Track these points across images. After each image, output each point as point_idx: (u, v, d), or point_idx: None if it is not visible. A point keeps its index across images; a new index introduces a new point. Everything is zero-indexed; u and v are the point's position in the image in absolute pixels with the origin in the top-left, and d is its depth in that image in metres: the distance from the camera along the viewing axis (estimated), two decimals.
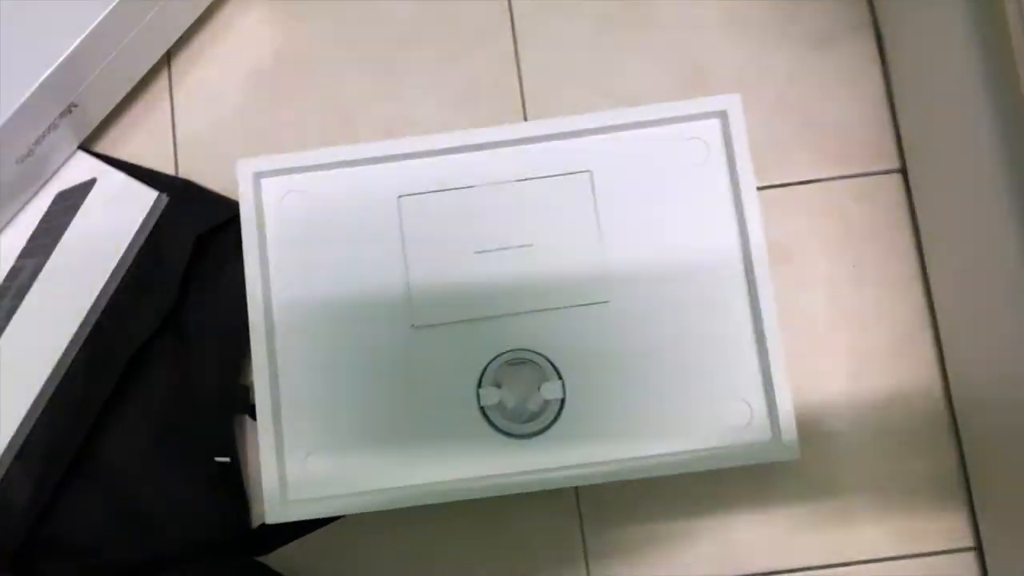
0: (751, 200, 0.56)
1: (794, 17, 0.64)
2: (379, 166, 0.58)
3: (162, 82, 0.66)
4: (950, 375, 0.60)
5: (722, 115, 0.57)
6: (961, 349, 0.59)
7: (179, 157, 0.65)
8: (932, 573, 0.58)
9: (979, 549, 0.58)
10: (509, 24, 0.65)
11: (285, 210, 0.58)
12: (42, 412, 0.59)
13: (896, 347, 0.60)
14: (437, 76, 0.65)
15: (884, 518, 0.59)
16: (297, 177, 0.58)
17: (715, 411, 0.56)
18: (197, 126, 0.65)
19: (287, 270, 0.57)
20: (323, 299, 0.57)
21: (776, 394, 0.54)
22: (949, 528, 0.58)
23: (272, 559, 0.60)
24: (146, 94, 0.65)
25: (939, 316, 0.60)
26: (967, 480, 0.59)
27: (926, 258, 0.61)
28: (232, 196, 0.62)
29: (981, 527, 0.58)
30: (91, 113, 0.62)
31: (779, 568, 0.59)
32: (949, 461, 0.59)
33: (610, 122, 0.57)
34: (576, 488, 0.61)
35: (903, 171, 0.62)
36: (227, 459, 0.59)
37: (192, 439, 0.60)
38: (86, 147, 0.63)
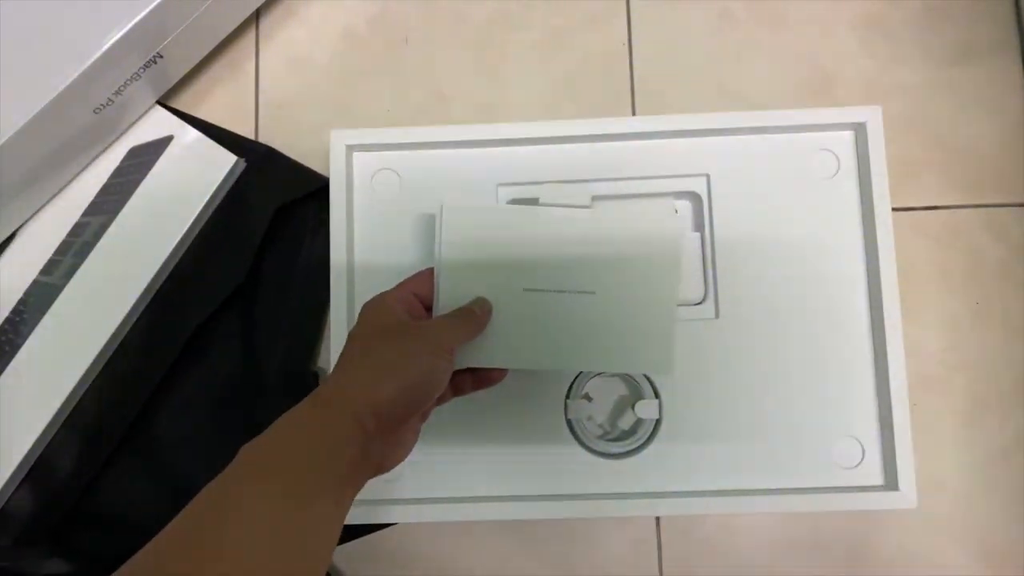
0: (884, 223, 0.51)
1: (934, 27, 0.59)
2: (479, 150, 0.54)
3: (248, 40, 0.62)
4: None
5: (858, 128, 0.53)
6: None
7: (260, 121, 0.61)
8: None
9: None
10: (625, 9, 0.61)
11: (376, 187, 0.54)
12: (95, 380, 0.56)
13: (1017, 394, 0.56)
14: (541, 60, 0.60)
15: None
16: (391, 154, 0.54)
17: (823, 447, 0.51)
18: (282, 90, 0.61)
19: (375, 252, 0.53)
20: None
21: (895, 434, 0.49)
22: None
23: None
24: (231, 51, 0.61)
25: None
26: None
27: None
28: (315, 167, 0.58)
29: None
30: (174, 66, 0.58)
31: None
32: None
33: (732, 124, 0.53)
34: None
35: None
36: None
37: (252, 424, 0.56)
38: (165, 103, 0.60)
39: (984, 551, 0.55)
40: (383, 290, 0.50)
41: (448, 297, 0.45)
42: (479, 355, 0.45)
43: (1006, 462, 0.55)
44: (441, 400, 0.44)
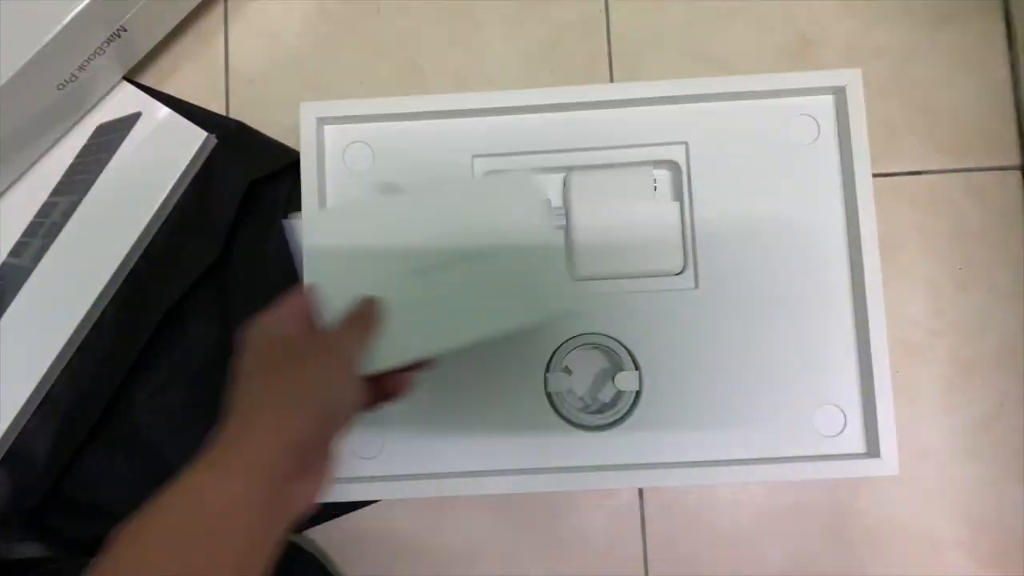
0: (865, 188, 0.50)
1: None
2: (453, 121, 0.53)
3: (217, 13, 0.60)
4: None
5: (838, 92, 0.52)
6: None
7: (231, 96, 0.59)
8: None
9: None
10: None
11: (348, 160, 0.53)
12: (68, 363, 0.55)
13: (1000, 359, 0.55)
14: (517, 27, 0.59)
15: (972, 543, 0.54)
16: (363, 126, 0.53)
17: (805, 416, 0.51)
18: (252, 64, 0.60)
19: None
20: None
21: (877, 402, 0.49)
22: None
23: (302, 537, 0.56)
24: (199, 24, 0.60)
25: None
26: None
27: None
28: (286, 142, 0.57)
29: None
30: (139, 41, 0.56)
31: None
32: None
33: (711, 90, 0.52)
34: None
35: (1023, 168, 0.56)
36: None
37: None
38: (132, 79, 0.58)
39: (968, 517, 0.54)
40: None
41: (336, 307, 0.40)
42: (387, 355, 0.39)
43: (989, 428, 0.55)
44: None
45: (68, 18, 0.49)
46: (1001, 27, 0.58)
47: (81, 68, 0.53)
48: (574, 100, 0.52)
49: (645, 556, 0.55)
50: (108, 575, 0.29)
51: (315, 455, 0.35)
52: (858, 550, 0.55)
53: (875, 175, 0.51)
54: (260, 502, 0.31)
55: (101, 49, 0.53)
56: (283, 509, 0.33)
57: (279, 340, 0.37)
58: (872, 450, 0.49)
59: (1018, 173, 0.57)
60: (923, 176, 0.57)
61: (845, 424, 0.50)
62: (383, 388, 0.40)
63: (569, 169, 0.54)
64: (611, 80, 0.59)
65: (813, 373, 0.51)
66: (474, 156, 0.53)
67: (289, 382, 0.34)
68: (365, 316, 0.39)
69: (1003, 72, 0.57)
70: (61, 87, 0.53)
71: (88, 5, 0.49)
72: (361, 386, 0.37)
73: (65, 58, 0.51)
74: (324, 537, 0.56)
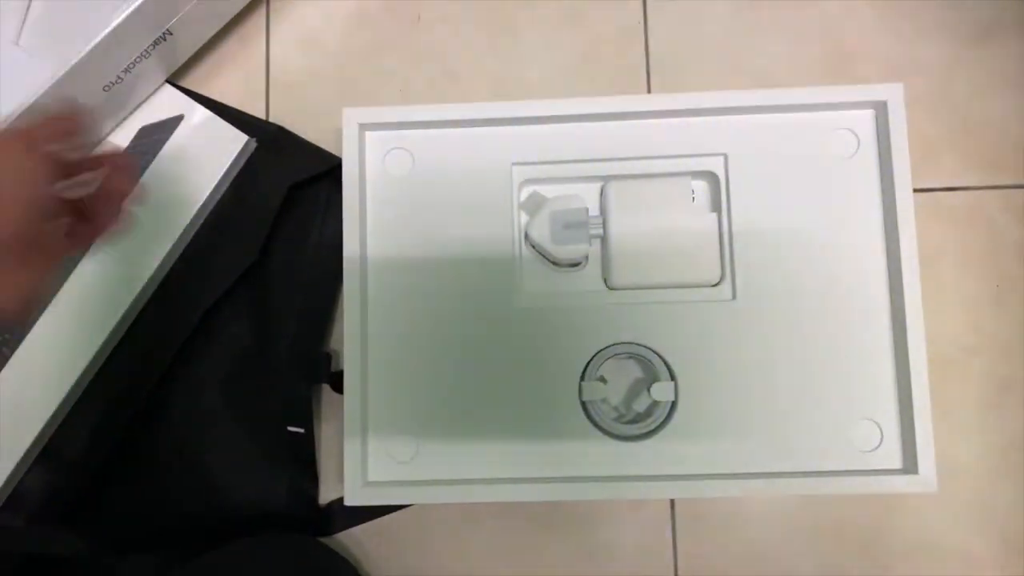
0: (905, 203, 0.50)
1: (956, 4, 0.58)
2: (493, 129, 0.53)
3: (259, 18, 0.61)
4: None
5: (879, 106, 0.52)
6: None
7: (271, 100, 0.60)
8: None
9: None
10: None
11: (389, 167, 0.54)
12: (107, 360, 0.56)
13: None
14: (556, 37, 0.59)
15: (1008, 564, 0.54)
16: (404, 133, 0.54)
17: (841, 430, 0.50)
18: (293, 69, 0.60)
19: (387, 232, 0.53)
20: (423, 267, 0.52)
21: (915, 417, 0.49)
22: None
23: (334, 540, 0.56)
24: (241, 29, 0.60)
25: None
26: None
27: None
28: (326, 148, 0.58)
29: None
30: (184, 44, 0.57)
31: None
32: None
33: (750, 102, 0.52)
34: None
35: None
36: (301, 429, 0.55)
37: (265, 404, 0.56)
38: (175, 81, 0.59)
39: (1004, 537, 0.54)
40: (395, 270, 0.49)
41: None
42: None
43: None
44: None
45: (118, 21, 0.50)
46: None
47: (127, 70, 0.53)
48: (612, 110, 0.52)
49: (676, 568, 0.55)
50: None
51: None
52: (891, 567, 0.54)
53: (914, 190, 0.51)
54: None
55: (147, 52, 0.54)
56: None
57: None
58: (909, 466, 0.49)
59: None
60: (961, 192, 0.57)
61: (882, 439, 0.50)
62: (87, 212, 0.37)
63: (607, 179, 0.54)
64: (648, 91, 0.59)
65: (850, 387, 0.51)
66: (513, 164, 0.53)
67: None
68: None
69: None
70: (107, 88, 0.53)
71: (137, 8, 0.50)
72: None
73: (112, 60, 0.52)
74: (355, 539, 0.56)
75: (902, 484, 0.49)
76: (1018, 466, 0.54)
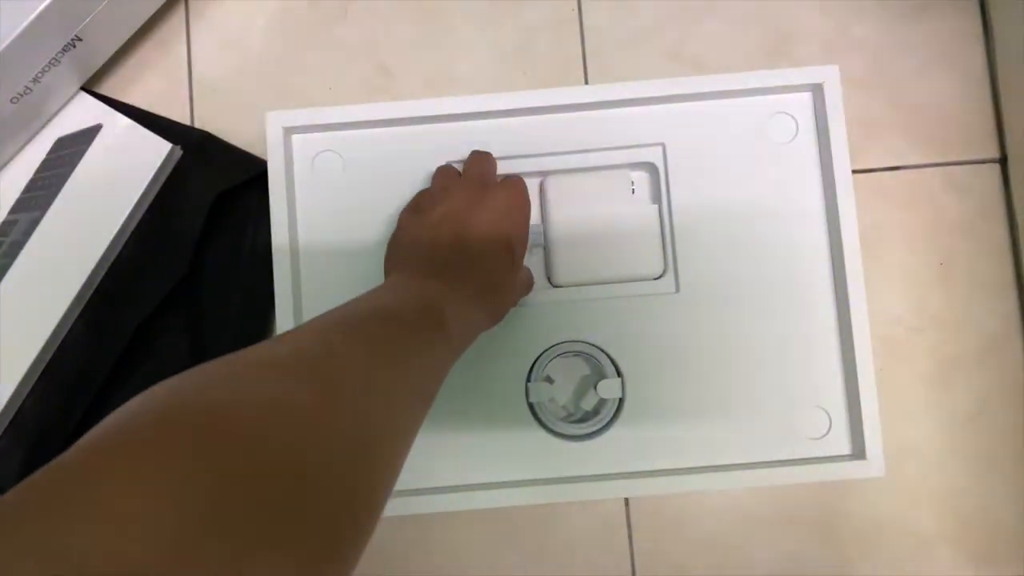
0: (845, 186, 0.50)
1: None
2: (425, 127, 0.52)
3: (178, 17, 0.58)
4: None
5: (816, 89, 0.51)
6: None
7: (195, 105, 0.58)
8: None
9: None
10: None
11: (317, 170, 0.52)
12: (35, 385, 0.53)
13: (983, 356, 0.55)
14: (489, 29, 0.58)
15: (960, 540, 0.54)
16: (332, 135, 0.52)
17: (789, 419, 0.50)
18: (217, 70, 0.58)
19: (319, 239, 0.51)
20: (359, 274, 0.51)
21: (861, 402, 0.49)
22: None
23: None
24: (159, 30, 0.58)
25: None
26: None
27: (1022, 258, 0.55)
28: (254, 152, 0.56)
29: None
30: (97, 49, 0.54)
31: None
32: None
33: (687, 90, 0.51)
34: None
35: (1002, 161, 0.56)
36: None
37: None
38: (90, 89, 0.56)
39: (956, 514, 0.54)
40: (328, 276, 0.48)
41: None
42: None
43: (974, 424, 0.55)
44: None
45: (18, 30, 0.47)
46: (977, 19, 0.57)
47: (35, 80, 0.51)
48: (548, 103, 0.51)
49: (633, 564, 0.54)
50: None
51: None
52: (847, 551, 0.54)
53: (854, 171, 0.50)
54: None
55: (56, 60, 0.51)
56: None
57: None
58: (858, 452, 0.49)
59: (997, 166, 0.56)
60: (902, 171, 0.56)
61: (830, 426, 0.50)
62: None
63: (545, 174, 0.52)
64: (586, 81, 0.57)
65: (797, 375, 0.50)
66: (448, 163, 0.52)
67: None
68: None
69: (980, 64, 0.57)
70: (15, 100, 0.51)
71: (39, 15, 0.47)
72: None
73: (17, 70, 0.49)
74: None
75: (851, 470, 0.49)
76: (967, 443, 0.55)
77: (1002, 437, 0.54)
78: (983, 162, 0.56)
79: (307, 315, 0.50)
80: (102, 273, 0.54)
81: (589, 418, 0.50)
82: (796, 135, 0.51)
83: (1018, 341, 0.55)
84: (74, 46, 0.51)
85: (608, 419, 0.50)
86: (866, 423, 0.48)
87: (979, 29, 0.57)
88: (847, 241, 0.49)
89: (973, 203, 0.56)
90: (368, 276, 0.50)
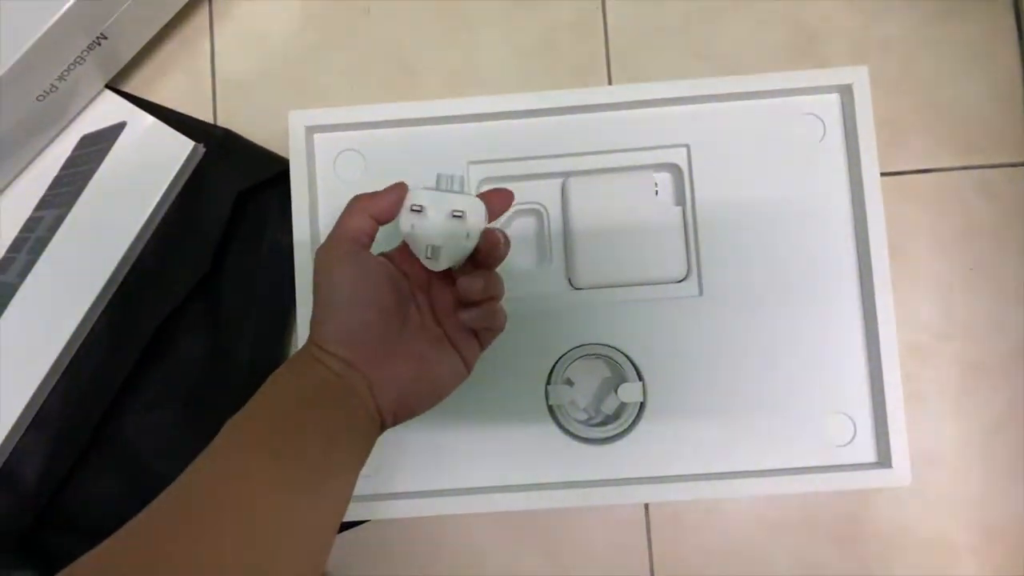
0: (873, 189, 0.49)
1: None
2: (447, 127, 0.52)
3: (202, 17, 0.58)
4: None
5: (844, 90, 0.50)
6: None
7: (218, 103, 0.58)
8: None
9: None
10: None
11: (339, 170, 0.52)
12: (59, 381, 0.54)
13: (1011, 363, 0.54)
14: (512, 27, 0.57)
15: (984, 551, 0.53)
16: (354, 134, 0.52)
17: (814, 425, 0.49)
18: (240, 69, 0.58)
19: None
20: None
21: (887, 410, 0.48)
22: None
23: None
24: (183, 29, 0.58)
25: None
26: None
27: None
28: (276, 150, 0.56)
29: None
30: (121, 48, 0.54)
31: None
32: None
33: (713, 91, 0.50)
34: None
35: None
36: None
37: (223, 419, 0.54)
38: (115, 87, 0.56)
39: (981, 523, 0.53)
40: None
41: None
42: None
43: (1002, 432, 0.54)
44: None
45: (44, 29, 0.47)
46: (1010, 20, 0.56)
47: (61, 78, 0.51)
48: (571, 103, 0.50)
49: (652, 569, 0.54)
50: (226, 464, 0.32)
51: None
52: (869, 559, 0.53)
53: (882, 174, 0.49)
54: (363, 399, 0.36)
55: (81, 58, 0.51)
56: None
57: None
58: (883, 460, 0.48)
59: None
60: (931, 174, 0.55)
61: (855, 433, 0.49)
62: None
63: (567, 175, 0.52)
64: (609, 81, 0.57)
65: (822, 380, 0.50)
66: (469, 163, 0.51)
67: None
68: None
69: (1013, 66, 0.56)
70: (41, 98, 0.51)
71: (65, 14, 0.47)
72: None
73: (43, 69, 0.49)
74: None
75: (876, 479, 0.48)
76: (994, 452, 0.54)
77: None
78: (1015, 165, 0.55)
79: None
80: (125, 270, 0.54)
81: (609, 422, 0.50)
82: (824, 137, 0.51)
83: None
84: (99, 44, 0.52)
85: (629, 423, 0.50)
86: (892, 431, 0.47)
87: (1012, 29, 0.56)
88: (875, 245, 0.48)
89: (1004, 207, 0.55)
90: None
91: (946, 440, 0.54)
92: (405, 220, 0.39)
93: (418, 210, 0.38)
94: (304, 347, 0.38)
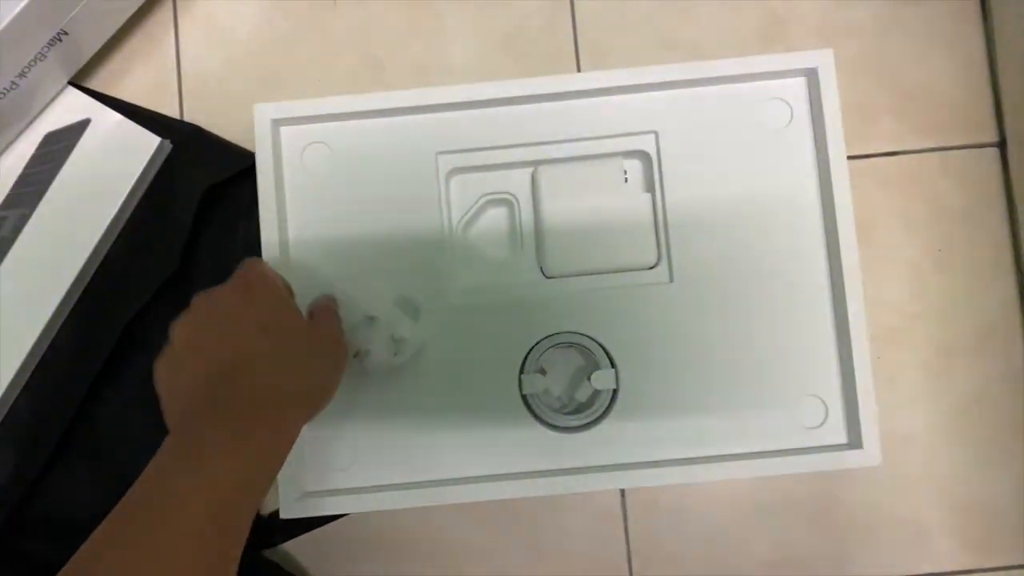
0: (840, 172, 0.49)
1: None
2: (414, 117, 0.51)
3: (166, 11, 0.58)
4: None
5: (810, 73, 0.50)
6: None
7: (185, 99, 0.57)
8: None
9: None
10: None
11: (307, 163, 0.51)
12: (27, 383, 0.53)
13: (982, 343, 0.54)
14: (479, 16, 0.57)
15: (957, 528, 0.54)
16: (321, 126, 0.51)
17: (785, 408, 0.50)
18: (205, 63, 0.57)
19: (309, 231, 0.51)
20: (349, 266, 0.50)
21: (857, 391, 0.48)
22: None
23: (277, 554, 0.55)
24: (147, 24, 0.57)
25: None
26: None
27: (1021, 244, 0.54)
28: (245, 145, 0.55)
29: None
30: (84, 44, 0.54)
31: None
32: None
33: (680, 76, 0.50)
34: None
35: (1001, 145, 0.55)
36: None
37: None
38: (78, 84, 0.56)
39: (955, 502, 0.54)
40: (319, 270, 0.48)
41: None
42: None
43: (972, 411, 0.54)
44: None
45: (2, 25, 0.46)
46: (975, 0, 0.56)
47: (22, 75, 0.50)
48: (540, 92, 0.50)
49: (629, 555, 0.54)
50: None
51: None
52: (845, 540, 0.54)
53: (850, 157, 0.50)
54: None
55: (42, 54, 0.51)
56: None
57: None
58: (854, 441, 0.49)
59: (996, 150, 0.55)
60: (899, 156, 0.56)
61: (827, 415, 0.49)
62: None
63: (536, 163, 0.52)
64: (578, 68, 0.57)
65: (793, 364, 0.50)
66: (438, 153, 0.51)
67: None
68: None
69: (978, 47, 0.56)
70: (1, 96, 0.50)
71: (23, 10, 0.47)
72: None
73: (3, 66, 0.49)
74: (301, 547, 0.55)
75: (847, 460, 0.48)
76: (966, 431, 0.54)
77: (1001, 425, 0.54)
78: (982, 146, 0.55)
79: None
80: (93, 269, 0.54)
81: (583, 410, 0.50)
82: (791, 121, 0.51)
83: (1017, 328, 0.54)
84: (60, 40, 0.51)
85: (602, 410, 0.50)
86: (862, 412, 0.48)
87: (977, 10, 0.56)
88: (843, 229, 0.48)
89: (972, 188, 0.55)
90: (357, 267, 0.50)
91: (919, 420, 0.54)
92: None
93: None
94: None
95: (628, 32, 0.57)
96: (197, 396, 0.35)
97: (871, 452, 0.48)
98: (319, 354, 0.40)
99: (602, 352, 0.50)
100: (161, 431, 0.54)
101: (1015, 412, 0.54)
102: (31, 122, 0.55)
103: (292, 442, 0.36)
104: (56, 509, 0.55)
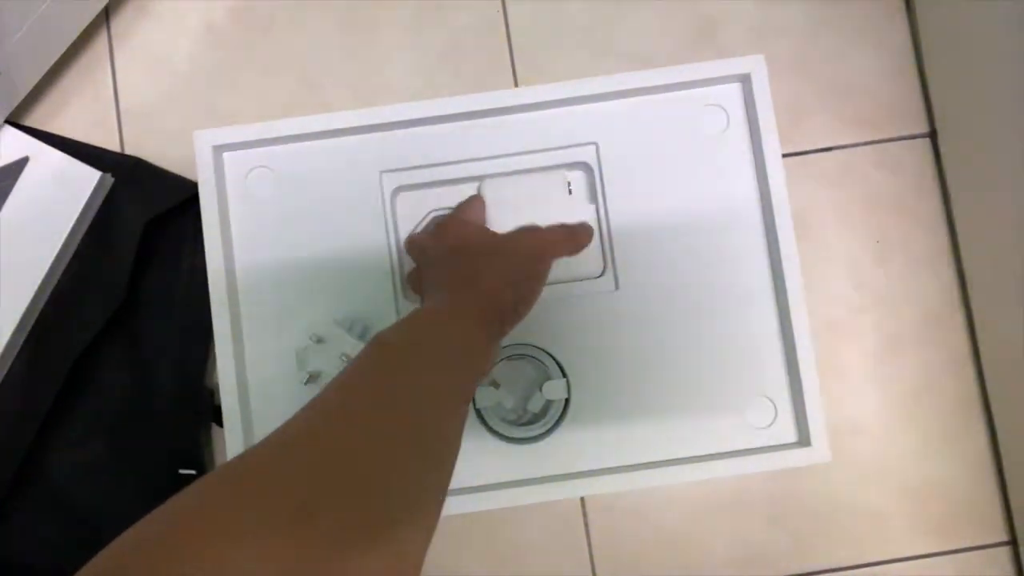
0: (777, 175, 0.50)
1: None
2: (356, 137, 0.51)
3: (101, 44, 0.57)
4: (983, 357, 0.55)
5: (744, 79, 0.51)
6: (996, 329, 0.55)
7: (124, 131, 0.57)
8: (966, 571, 0.54)
9: (1014, 543, 0.54)
10: None
11: (251, 188, 0.51)
12: None
13: (924, 329, 0.56)
14: (415, 34, 0.58)
15: (913, 514, 0.55)
16: (264, 150, 0.51)
17: (735, 409, 0.50)
18: (143, 94, 0.57)
19: (256, 256, 0.51)
20: (298, 288, 0.50)
21: (804, 390, 0.49)
22: (983, 522, 0.55)
23: None
24: (83, 57, 0.57)
25: (972, 293, 0.56)
26: (1000, 470, 0.55)
27: (957, 231, 0.56)
28: (188, 174, 0.55)
29: (1016, 521, 0.54)
30: (18, 81, 0.53)
31: (801, 571, 0.55)
32: (981, 449, 0.55)
33: (617, 87, 0.51)
34: None
35: (932, 135, 0.57)
36: (193, 471, 0.53)
37: (151, 450, 0.54)
38: (15, 121, 0.55)
39: (907, 488, 0.55)
40: (267, 295, 0.48)
41: None
42: None
43: (919, 398, 0.55)
44: None
45: None
46: None
47: None
48: (479, 108, 0.51)
49: (592, 560, 0.55)
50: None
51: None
52: (803, 532, 0.55)
53: (786, 155, 0.51)
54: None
55: None
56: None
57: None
58: (803, 439, 0.49)
59: (927, 140, 0.57)
60: (834, 152, 0.57)
61: (776, 415, 0.50)
62: None
63: (480, 178, 0.52)
64: (515, 80, 0.57)
65: (741, 365, 0.51)
66: (382, 172, 0.51)
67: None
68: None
69: (904, 40, 0.58)
70: None
71: None
72: None
73: None
74: None
75: (797, 458, 0.49)
76: (915, 418, 0.55)
77: (949, 409, 0.55)
78: (913, 137, 0.57)
79: (246, 336, 0.50)
80: (39, 307, 0.53)
81: (537, 420, 0.50)
82: (728, 127, 0.52)
83: (959, 313, 0.56)
84: None
85: (555, 420, 0.50)
86: (809, 412, 0.49)
87: (902, 6, 0.58)
88: (781, 229, 0.49)
89: (905, 179, 0.57)
90: (307, 290, 0.50)
91: (868, 410, 0.55)
92: None
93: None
94: None
95: (562, 43, 0.58)
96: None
97: (820, 449, 0.49)
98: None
99: (553, 362, 0.50)
100: (114, 464, 0.53)
101: (961, 396, 0.55)
102: None
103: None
104: (14, 553, 0.54)
